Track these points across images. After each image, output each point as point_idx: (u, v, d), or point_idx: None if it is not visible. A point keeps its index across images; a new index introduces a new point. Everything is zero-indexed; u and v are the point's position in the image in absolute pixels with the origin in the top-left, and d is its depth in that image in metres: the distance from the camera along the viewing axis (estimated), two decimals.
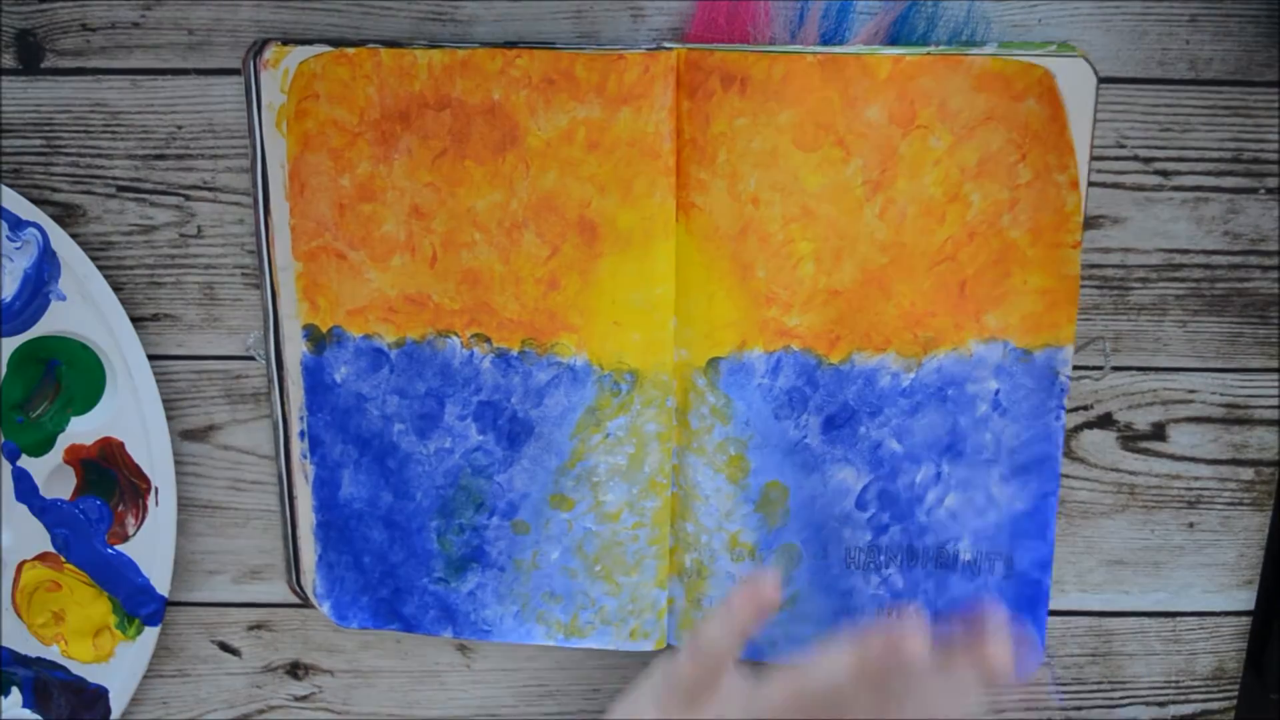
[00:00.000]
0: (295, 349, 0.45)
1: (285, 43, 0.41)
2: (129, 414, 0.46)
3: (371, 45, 0.41)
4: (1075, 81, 0.40)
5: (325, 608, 0.47)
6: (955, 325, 0.43)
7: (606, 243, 0.42)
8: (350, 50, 0.41)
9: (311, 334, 0.44)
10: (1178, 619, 0.49)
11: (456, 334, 0.44)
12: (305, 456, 0.46)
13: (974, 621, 0.36)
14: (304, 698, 0.51)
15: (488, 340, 0.44)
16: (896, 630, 0.34)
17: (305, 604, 0.48)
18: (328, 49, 0.41)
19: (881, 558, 0.45)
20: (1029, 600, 0.45)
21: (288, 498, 0.46)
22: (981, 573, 0.45)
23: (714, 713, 0.36)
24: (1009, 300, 0.43)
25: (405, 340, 0.44)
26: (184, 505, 0.48)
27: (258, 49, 0.41)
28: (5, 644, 0.48)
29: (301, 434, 0.46)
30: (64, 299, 0.45)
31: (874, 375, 0.44)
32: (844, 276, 0.43)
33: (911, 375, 0.44)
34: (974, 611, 0.36)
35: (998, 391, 0.44)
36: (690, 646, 0.37)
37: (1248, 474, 0.47)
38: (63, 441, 0.46)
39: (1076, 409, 0.46)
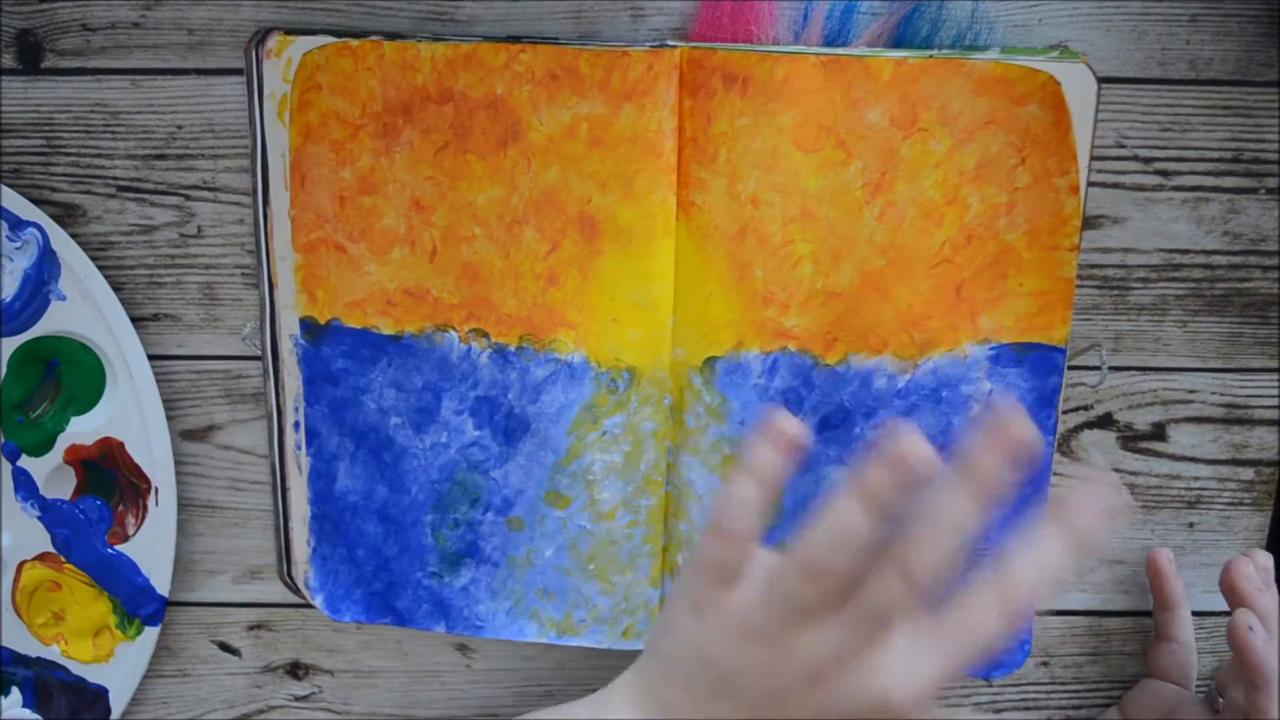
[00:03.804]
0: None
1: (289, 32, 0.41)
2: (129, 414, 0.46)
3: (375, 38, 0.41)
4: (1077, 87, 0.40)
5: (318, 601, 0.47)
6: (951, 327, 0.43)
7: (606, 239, 0.42)
8: (354, 42, 0.41)
9: (309, 326, 0.44)
10: None
11: (454, 328, 0.44)
12: (300, 448, 0.46)
13: (987, 424, 0.30)
14: (304, 698, 0.51)
15: (486, 335, 0.44)
16: (891, 448, 0.30)
17: (297, 594, 0.48)
18: (331, 39, 0.41)
19: None
20: None
21: (280, 490, 0.46)
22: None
23: (745, 591, 0.33)
24: (1004, 302, 0.43)
25: (403, 334, 0.44)
26: (184, 505, 0.48)
27: (260, 38, 0.41)
28: (5, 644, 0.48)
29: (296, 425, 0.45)
30: (64, 299, 0.45)
31: (870, 377, 0.44)
32: (842, 278, 0.43)
33: (907, 377, 0.44)
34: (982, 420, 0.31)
35: (990, 392, 0.44)
36: (710, 527, 0.33)
37: (1248, 474, 0.47)
38: (63, 441, 0.46)
39: (1076, 409, 0.46)
